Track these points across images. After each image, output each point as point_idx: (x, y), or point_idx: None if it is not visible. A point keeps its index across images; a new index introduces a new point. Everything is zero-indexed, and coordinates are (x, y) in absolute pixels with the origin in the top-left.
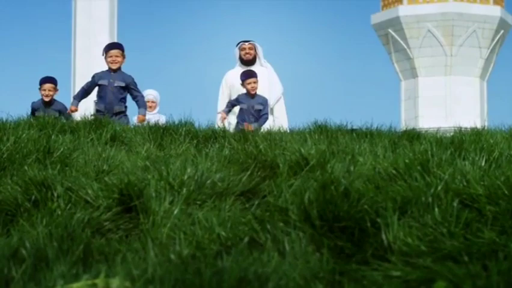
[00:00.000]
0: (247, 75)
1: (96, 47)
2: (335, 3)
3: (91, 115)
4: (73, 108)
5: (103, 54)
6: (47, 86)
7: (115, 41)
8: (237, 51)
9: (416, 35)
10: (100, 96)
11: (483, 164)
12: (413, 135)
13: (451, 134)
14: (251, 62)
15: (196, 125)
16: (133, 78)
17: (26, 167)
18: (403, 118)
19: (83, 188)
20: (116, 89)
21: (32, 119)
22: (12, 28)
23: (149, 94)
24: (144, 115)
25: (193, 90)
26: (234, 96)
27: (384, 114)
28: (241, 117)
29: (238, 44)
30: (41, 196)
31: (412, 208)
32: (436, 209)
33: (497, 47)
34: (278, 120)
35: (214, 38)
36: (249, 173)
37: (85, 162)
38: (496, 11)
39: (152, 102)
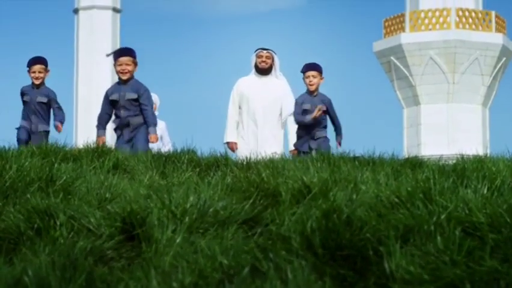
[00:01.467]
0: (308, 67)
1: (98, 62)
2: (337, 30)
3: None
4: (101, 140)
5: (111, 56)
6: (37, 67)
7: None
8: (253, 58)
9: (418, 63)
10: (114, 113)
11: (485, 192)
12: (415, 163)
13: (453, 161)
14: (266, 71)
15: (199, 152)
16: (144, 87)
17: (28, 195)
18: (405, 145)
19: (85, 216)
20: (128, 103)
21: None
22: (15, 49)
23: None
24: (155, 134)
25: (195, 115)
26: (243, 105)
27: (386, 142)
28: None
29: (256, 50)
30: (43, 224)
31: (414, 236)
32: (438, 237)
33: (500, 74)
34: (291, 139)
35: (215, 59)
36: (251, 201)
37: (87, 190)
38: (498, 39)
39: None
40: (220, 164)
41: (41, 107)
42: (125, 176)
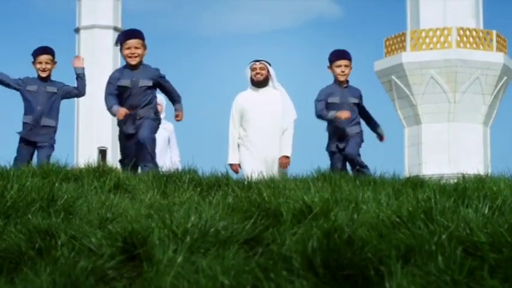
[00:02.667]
0: (339, 54)
1: (101, 75)
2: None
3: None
4: (123, 111)
5: (116, 44)
6: (44, 57)
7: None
8: (248, 71)
9: (419, 82)
10: (123, 101)
11: (486, 211)
12: (416, 183)
13: (455, 180)
14: (262, 83)
15: (200, 172)
16: (159, 70)
17: (29, 215)
18: (407, 164)
19: (86, 236)
20: (141, 91)
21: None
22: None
23: None
24: (182, 110)
25: (196, 134)
26: (244, 120)
27: (387, 161)
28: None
29: (250, 63)
30: (44, 244)
31: (415, 256)
32: (439, 257)
33: (501, 93)
34: (283, 148)
35: (217, 78)
36: (252, 221)
37: (88, 210)
38: (499, 58)
39: (158, 105)
40: (221, 183)
41: (50, 98)
42: (126, 196)
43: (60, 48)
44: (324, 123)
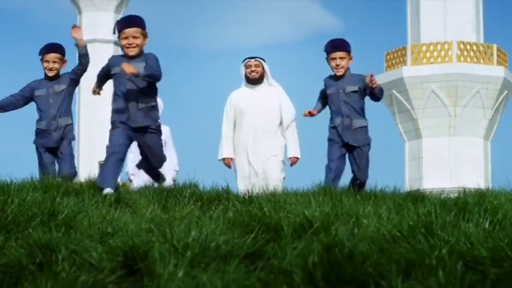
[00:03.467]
0: (334, 46)
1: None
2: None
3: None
4: (95, 90)
5: (114, 32)
6: (51, 56)
7: None
8: (242, 69)
9: (420, 96)
10: (116, 92)
11: (487, 226)
12: (417, 197)
13: (455, 195)
14: (258, 81)
15: (201, 186)
16: (154, 56)
17: (30, 230)
18: (407, 179)
19: (87, 250)
20: (140, 81)
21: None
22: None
23: None
24: (134, 70)
25: (197, 148)
26: (239, 118)
27: (388, 175)
28: (333, 108)
29: (244, 60)
30: (45, 259)
31: (416, 271)
32: (440, 272)
33: (501, 107)
34: (290, 148)
35: (217, 92)
36: (253, 235)
37: (89, 224)
38: (499, 72)
39: None
40: (221, 198)
41: (61, 97)
42: (127, 210)
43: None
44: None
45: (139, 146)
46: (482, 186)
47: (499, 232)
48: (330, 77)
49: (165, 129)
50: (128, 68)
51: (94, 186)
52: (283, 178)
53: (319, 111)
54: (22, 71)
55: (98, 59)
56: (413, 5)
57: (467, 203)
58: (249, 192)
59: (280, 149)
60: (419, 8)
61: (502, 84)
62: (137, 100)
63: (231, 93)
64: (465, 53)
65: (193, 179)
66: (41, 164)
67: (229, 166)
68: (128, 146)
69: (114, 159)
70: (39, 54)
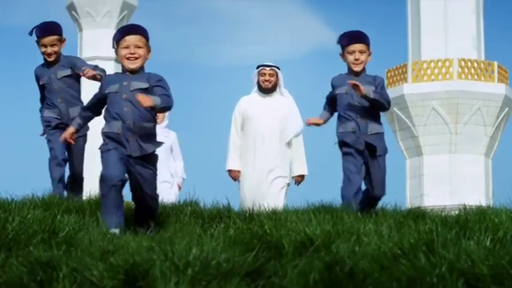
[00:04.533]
0: (352, 38)
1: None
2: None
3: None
4: (69, 131)
5: (113, 47)
6: (48, 40)
7: None
8: (255, 76)
9: (421, 113)
10: (110, 113)
11: (488, 243)
12: (418, 214)
13: (456, 212)
14: (270, 90)
15: (201, 204)
16: (164, 81)
17: (31, 248)
18: (408, 196)
19: (88, 268)
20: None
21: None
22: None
23: None
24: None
25: (197, 165)
26: (247, 125)
27: (389, 192)
28: (343, 110)
29: (259, 67)
30: (46, 277)
31: None
32: None
33: (502, 124)
34: (296, 165)
35: (218, 108)
36: (254, 253)
37: (90, 242)
38: (500, 89)
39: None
40: (223, 215)
41: (66, 83)
42: (127, 228)
43: None
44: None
45: (130, 177)
46: (483, 203)
47: (500, 250)
48: (341, 75)
49: (171, 135)
50: (144, 100)
51: (94, 204)
52: (284, 197)
53: (326, 121)
54: (22, 88)
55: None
56: (413, 22)
57: (468, 221)
58: (250, 210)
59: (286, 164)
60: (419, 25)
61: (503, 101)
62: (133, 124)
63: (240, 99)
64: (466, 70)
65: (193, 197)
66: (53, 158)
67: (235, 179)
68: (125, 171)
69: (114, 193)
70: (37, 38)
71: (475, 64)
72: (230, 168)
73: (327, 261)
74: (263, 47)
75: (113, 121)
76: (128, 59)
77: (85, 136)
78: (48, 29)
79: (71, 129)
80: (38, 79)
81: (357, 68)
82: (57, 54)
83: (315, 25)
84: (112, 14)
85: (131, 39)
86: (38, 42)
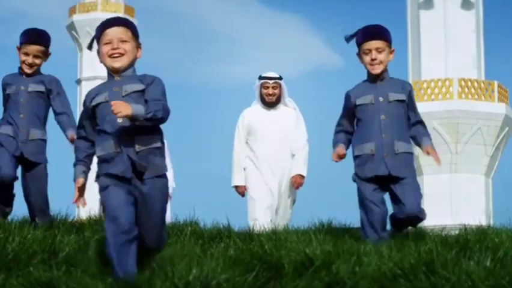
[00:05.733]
0: (368, 34)
1: None
2: (341, 101)
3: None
4: (79, 182)
5: (90, 47)
6: (33, 48)
7: None
8: (257, 87)
9: None
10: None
11: (488, 263)
12: (418, 234)
13: (456, 232)
14: (274, 104)
15: (201, 224)
16: (160, 81)
17: (31, 268)
18: None
19: None
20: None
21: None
22: None
23: None
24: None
25: (197, 184)
26: (251, 138)
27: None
28: (364, 126)
29: (261, 79)
30: None
31: None
32: None
33: (502, 144)
34: (296, 164)
35: (217, 128)
36: (254, 273)
37: (90, 262)
38: (500, 109)
39: None
40: (222, 235)
41: (35, 100)
42: None
43: None
44: None
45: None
46: (484, 223)
47: (500, 270)
48: (361, 84)
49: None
50: (119, 106)
51: (95, 223)
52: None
53: (348, 145)
54: None
55: None
56: (414, 42)
57: (468, 241)
58: (253, 229)
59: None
60: (420, 45)
61: (503, 121)
62: (133, 140)
63: (243, 111)
64: (466, 89)
65: (193, 217)
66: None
67: (242, 194)
68: (134, 208)
69: (123, 241)
70: (19, 44)
71: (475, 84)
72: (236, 184)
73: (327, 281)
74: (261, 65)
75: (104, 140)
76: (111, 56)
77: (45, 165)
78: (35, 37)
79: (79, 183)
80: (4, 88)
81: (375, 71)
82: (38, 68)
83: (314, 44)
84: None
85: (113, 32)
86: (19, 48)
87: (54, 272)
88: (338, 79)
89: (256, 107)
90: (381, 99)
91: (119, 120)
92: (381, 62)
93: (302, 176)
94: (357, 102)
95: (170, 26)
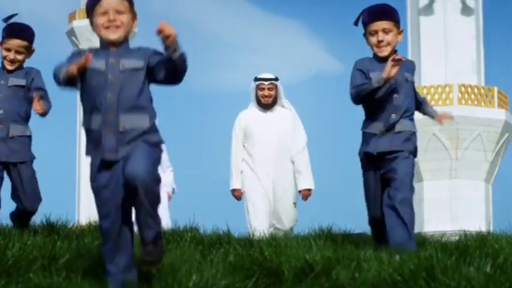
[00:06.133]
0: (374, 14)
1: None
2: (341, 117)
3: None
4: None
5: (89, 19)
6: (15, 43)
7: None
8: (253, 89)
9: (421, 139)
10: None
11: (488, 269)
12: (418, 240)
13: (456, 238)
14: (271, 105)
15: (201, 230)
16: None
17: (31, 274)
18: None
19: None
20: (126, 77)
21: None
22: None
23: None
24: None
25: (197, 191)
26: (248, 141)
27: None
28: (376, 106)
29: (256, 81)
30: None
31: None
32: None
33: (502, 150)
34: (302, 178)
35: (217, 134)
36: (254, 279)
37: (90, 268)
38: (500, 114)
39: None
40: (222, 241)
41: (16, 94)
42: None
43: (61, 118)
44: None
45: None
46: (483, 229)
47: (500, 276)
48: (370, 60)
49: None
50: (165, 25)
51: (95, 230)
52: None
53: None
54: None
55: None
56: (413, 48)
57: (468, 247)
58: (253, 235)
59: (290, 178)
60: (419, 50)
61: (503, 127)
62: (121, 104)
63: (239, 114)
64: (466, 95)
65: (193, 223)
66: None
67: (238, 198)
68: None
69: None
70: (1, 38)
71: (475, 89)
72: (234, 188)
73: (328, 287)
74: (259, 71)
75: (93, 114)
76: (107, 28)
77: (31, 162)
78: (18, 31)
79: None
80: None
81: (383, 53)
82: (20, 64)
83: (314, 51)
84: None
85: (109, 2)
86: (1, 43)
87: (54, 278)
88: (338, 85)
89: (253, 109)
90: (399, 77)
91: (109, 96)
92: (388, 44)
93: (310, 189)
94: (371, 76)
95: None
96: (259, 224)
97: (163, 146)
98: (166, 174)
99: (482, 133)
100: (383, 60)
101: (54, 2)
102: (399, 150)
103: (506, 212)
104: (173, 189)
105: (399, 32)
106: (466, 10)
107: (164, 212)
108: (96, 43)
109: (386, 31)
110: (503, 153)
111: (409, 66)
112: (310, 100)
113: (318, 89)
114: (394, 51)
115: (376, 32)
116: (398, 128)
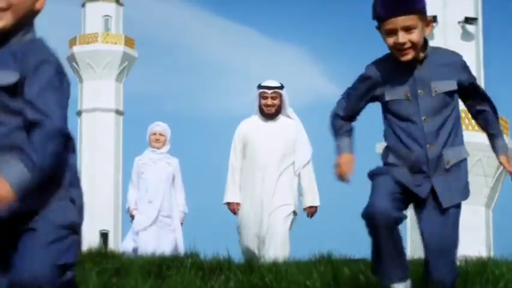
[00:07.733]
0: (389, 7)
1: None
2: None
3: None
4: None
5: None
6: None
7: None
8: (256, 97)
9: None
10: None
11: None
12: (419, 265)
13: (457, 263)
14: (273, 115)
15: (202, 255)
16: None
17: None
18: (409, 247)
19: None
20: None
21: None
22: None
23: (155, 125)
24: None
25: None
26: (248, 152)
27: None
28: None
29: (260, 88)
30: None
31: None
32: None
33: (503, 175)
34: (306, 195)
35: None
36: None
37: None
38: None
39: (160, 135)
40: (223, 267)
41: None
42: (127, 281)
43: None
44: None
45: None
46: (484, 254)
47: None
48: (390, 61)
49: (173, 161)
50: None
51: (95, 256)
52: (289, 228)
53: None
54: None
55: (99, 127)
56: None
57: (468, 272)
58: (251, 255)
59: (293, 195)
60: None
61: None
62: None
63: (241, 122)
64: (466, 121)
65: (194, 249)
66: None
67: (234, 212)
68: None
69: None
70: None
71: None
72: (229, 201)
73: None
74: None
75: None
76: None
77: None
78: None
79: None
80: None
81: (406, 57)
82: None
83: (311, 76)
84: (113, 65)
85: None
86: None
87: None
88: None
89: (254, 118)
90: (420, 91)
91: None
92: (412, 45)
93: (316, 207)
94: (386, 98)
95: (175, 57)
96: (250, 245)
97: (176, 162)
98: (178, 194)
99: (482, 158)
100: (408, 65)
101: (55, 27)
102: None
103: (507, 238)
104: (185, 213)
105: (427, 24)
106: (466, 35)
107: (179, 236)
108: (96, 68)
109: (407, 29)
110: (503, 179)
111: (444, 64)
112: (309, 125)
113: (316, 114)
114: (423, 47)
115: (393, 30)
116: None
